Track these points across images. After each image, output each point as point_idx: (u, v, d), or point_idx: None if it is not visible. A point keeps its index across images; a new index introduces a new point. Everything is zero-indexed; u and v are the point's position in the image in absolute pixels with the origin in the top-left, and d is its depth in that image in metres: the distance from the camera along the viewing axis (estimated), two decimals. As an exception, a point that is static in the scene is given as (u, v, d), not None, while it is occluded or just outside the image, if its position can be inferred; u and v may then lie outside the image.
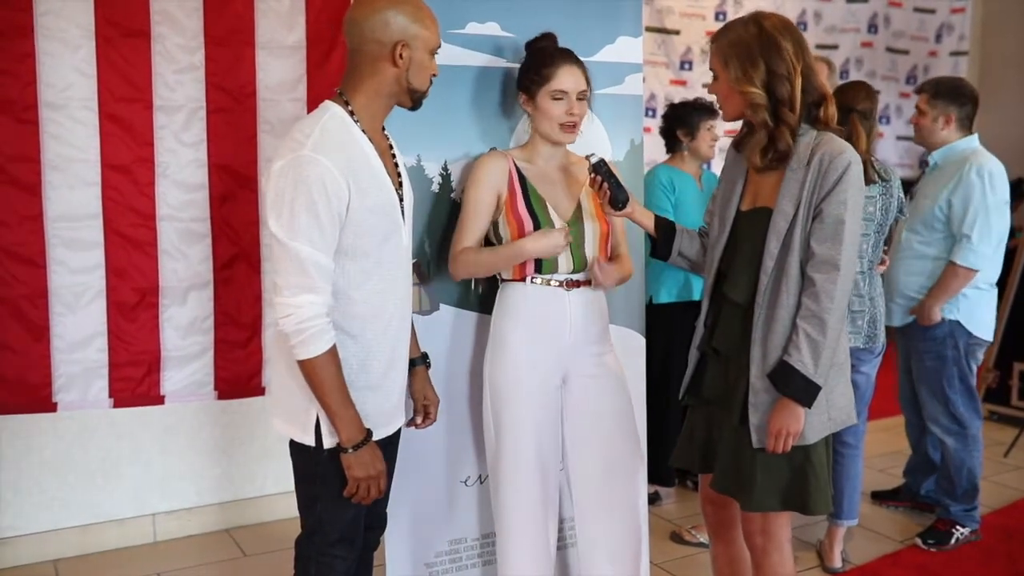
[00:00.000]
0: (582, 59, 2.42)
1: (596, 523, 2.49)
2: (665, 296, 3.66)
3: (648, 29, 5.48)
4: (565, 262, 2.38)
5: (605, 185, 2.27)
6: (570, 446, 2.48)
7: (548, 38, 2.44)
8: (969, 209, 3.25)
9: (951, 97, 3.38)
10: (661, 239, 2.39)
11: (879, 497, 3.95)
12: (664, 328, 3.52)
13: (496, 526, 2.47)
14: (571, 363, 2.44)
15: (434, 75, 2.04)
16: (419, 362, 2.29)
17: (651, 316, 3.47)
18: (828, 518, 3.33)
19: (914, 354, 3.49)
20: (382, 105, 2.00)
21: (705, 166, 3.94)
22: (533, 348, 2.40)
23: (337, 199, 1.85)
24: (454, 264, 2.41)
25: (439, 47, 2.04)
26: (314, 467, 1.99)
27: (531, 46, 2.44)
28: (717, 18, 5.80)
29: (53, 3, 2.88)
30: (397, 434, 2.17)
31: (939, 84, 3.45)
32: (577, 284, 2.41)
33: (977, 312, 3.39)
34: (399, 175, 2.06)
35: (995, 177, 3.28)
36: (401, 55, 1.94)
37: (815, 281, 2.04)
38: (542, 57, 2.38)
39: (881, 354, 3.22)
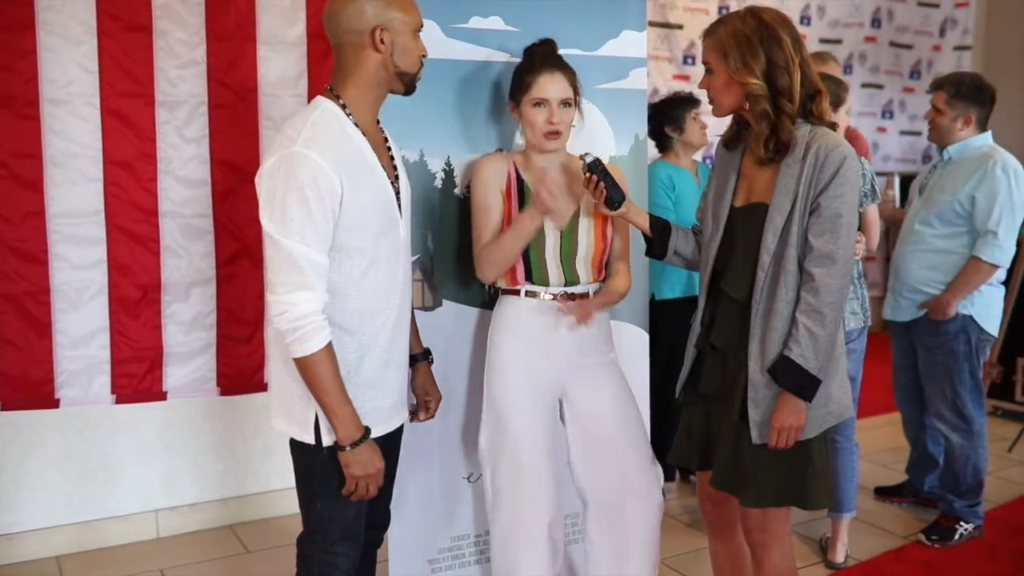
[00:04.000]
0: (586, 53, 2.40)
1: (603, 525, 2.47)
2: (668, 292, 3.65)
3: (651, 24, 5.46)
4: (556, 275, 2.36)
5: (601, 185, 2.25)
6: (576, 450, 2.45)
7: (546, 44, 2.41)
8: (995, 205, 3.23)
9: (972, 98, 3.34)
10: (656, 238, 2.38)
11: (883, 493, 3.94)
12: (667, 324, 3.51)
13: (492, 533, 2.45)
14: (569, 375, 2.42)
15: (423, 55, 2.01)
16: (421, 357, 2.28)
17: (654, 312, 3.46)
18: (827, 512, 3.32)
19: (922, 349, 3.47)
20: (374, 96, 1.98)
21: (701, 160, 3.93)
22: (529, 362, 2.38)
23: (330, 195, 1.84)
24: (479, 264, 2.38)
25: (422, 26, 2.00)
26: (313, 465, 1.98)
27: (526, 52, 2.41)
28: (720, 12, 5.78)
29: (55, -1, 2.87)
30: (399, 431, 2.16)
31: (960, 84, 3.38)
32: (572, 297, 2.38)
33: (989, 307, 3.38)
34: (395, 169, 2.05)
35: (1019, 173, 3.28)
36: (382, 40, 1.91)
37: (814, 275, 2.04)
38: (526, 64, 2.36)
39: (850, 343, 3.09)
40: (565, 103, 2.32)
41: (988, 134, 3.41)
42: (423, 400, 2.28)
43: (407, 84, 2.00)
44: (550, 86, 2.30)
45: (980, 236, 3.28)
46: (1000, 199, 3.23)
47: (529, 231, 2.29)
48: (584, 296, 2.39)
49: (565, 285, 2.38)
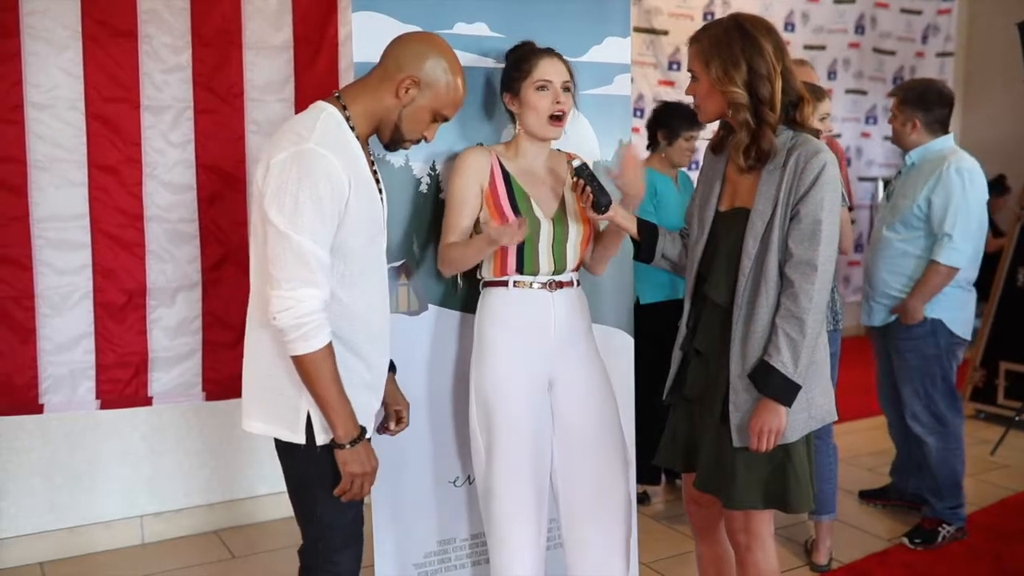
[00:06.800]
0: (570, 59, 2.42)
1: (584, 526, 2.48)
2: (652, 296, 3.66)
3: (636, 30, 5.49)
4: (547, 263, 2.38)
5: (588, 189, 2.27)
6: (557, 450, 2.47)
7: (528, 44, 2.44)
8: (949, 208, 3.26)
9: (916, 103, 3.40)
10: (644, 242, 2.39)
11: (867, 496, 3.96)
12: (653, 328, 3.53)
13: (488, 530, 2.45)
14: (557, 365, 2.43)
15: (424, 138, 2.04)
16: (388, 369, 2.27)
17: (638, 317, 3.47)
18: (808, 515, 3.33)
19: (896, 353, 3.50)
20: (371, 123, 2.00)
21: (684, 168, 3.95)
22: (519, 352, 2.39)
23: (340, 195, 1.84)
24: (440, 261, 2.42)
25: (447, 117, 2.03)
26: (308, 467, 1.96)
27: (510, 53, 2.45)
28: (705, 18, 5.82)
29: (39, 3, 2.86)
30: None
31: (907, 90, 3.48)
32: (560, 285, 2.41)
33: (958, 311, 3.40)
34: (378, 181, 2.06)
35: (974, 175, 3.29)
36: (407, 89, 1.94)
37: (793, 282, 2.06)
38: (522, 54, 2.39)
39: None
40: (566, 87, 2.36)
41: (949, 137, 3.43)
42: (393, 410, 2.27)
43: (393, 142, 2.03)
44: (551, 69, 2.34)
45: (937, 239, 3.30)
46: (954, 201, 3.25)
47: (484, 253, 2.32)
48: (570, 284, 2.43)
49: (554, 273, 2.40)
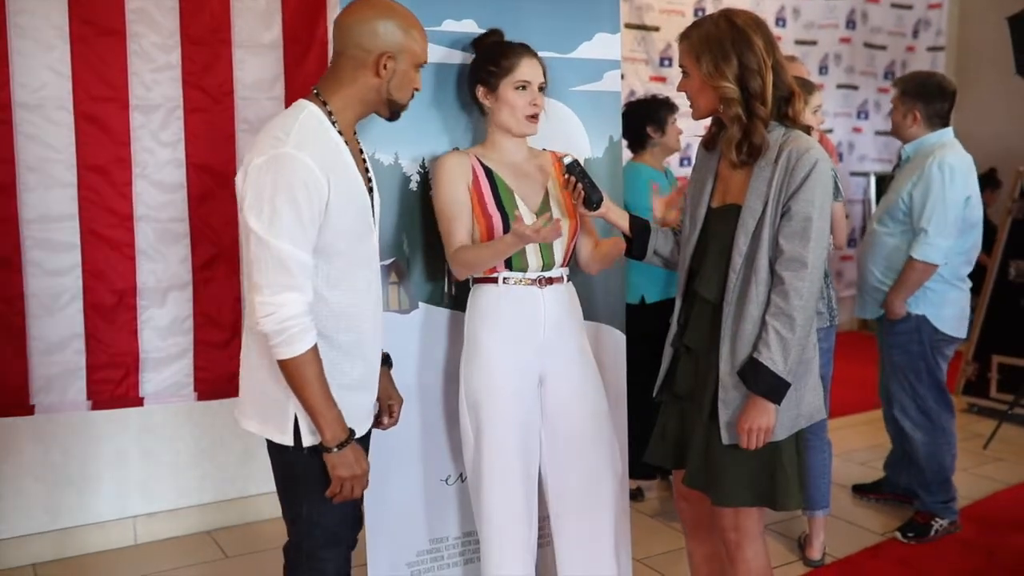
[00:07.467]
0: (560, 56, 2.42)
1: (574, 522, 2.48)
2: (657, 294, 3.66)
3: (627, 26, 5.49)
4: (535, 259, 2.38)
5: (579, 186, 2.27)
6: (547, 446, 2.47)
7: (496, 33, 2.45)
8: (927, 203, 3.24)
9: (916, 95, 3.38)
10: (636, 238, 2.39)
11: (860, 490, 3.96)
12: (657, 327, 3.51)
13: (479, 528, 2.46)
14: (548, 362, 2.43)
15: (416, 89, 2.04)
16: (382, 363, 2.27)
17: (644, 315, 3.47)
18: (802, 510, 3.34)
19: (884, 348, 3.51)
20: (359, 110, 2.00)
21: (679, 161, 3.97)
22: (509, 349, 2.38)
23: (318, 197, 1.83)
24: (454, 265, 2.39)
25: (425, 62, 2.04)
26: (294, 468, 1.97)
27: (481, 42, 2.45)
28: (696, 14, 5.82)
29: (27, 2, 2.86)
30: (367, 437, 2.15)
31: (907, 81, 3.46)
32: (550, 281, 2.41)
33: (944, 308, 3.36)
34: (369, 179, 2.06)
35: (955, 171, 3.25)
36: (385, 66, 1.93)
37: (784, 279, 2.05)
38: (502, 49, 2.38)
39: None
40: (541, 87, 2.38)
41: (947, 131, 3.40)
42: (386, 404, 2.26)
43: (393, 112, 2.03)
44: (530, 70, 2.35)
45: (915, 234, 3.29)
46: (932, 197, 3.23)
47: (509, 253, 2.30)
48: (559, 280, 2.42)
49: (542, 269, 2.40)
